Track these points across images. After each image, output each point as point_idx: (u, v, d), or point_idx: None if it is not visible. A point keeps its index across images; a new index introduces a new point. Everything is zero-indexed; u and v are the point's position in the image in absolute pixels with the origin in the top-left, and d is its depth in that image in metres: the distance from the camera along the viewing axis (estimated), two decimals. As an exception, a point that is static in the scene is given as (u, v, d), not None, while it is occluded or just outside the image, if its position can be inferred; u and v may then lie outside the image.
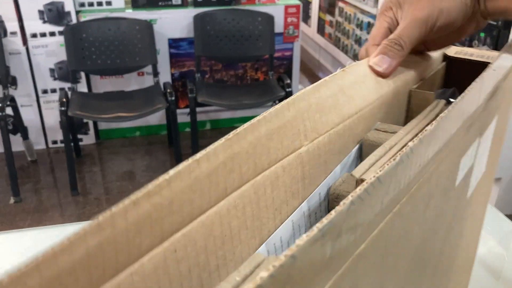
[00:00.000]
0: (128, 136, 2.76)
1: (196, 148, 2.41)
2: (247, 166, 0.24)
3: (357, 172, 0.29)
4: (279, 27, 2.65)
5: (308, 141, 0.29)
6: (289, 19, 2.68)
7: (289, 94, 2.42)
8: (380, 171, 0.23)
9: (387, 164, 0.24)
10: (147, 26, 2.41)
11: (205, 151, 0.22)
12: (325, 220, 0.19)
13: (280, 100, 2.60)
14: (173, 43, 2.58)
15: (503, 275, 0.68)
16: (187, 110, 2.61)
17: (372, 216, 0.23)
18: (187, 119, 2.65)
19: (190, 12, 2.51)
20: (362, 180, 0.28)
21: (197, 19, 2.47)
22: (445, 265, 0.42)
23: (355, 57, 3.31)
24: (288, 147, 0.27)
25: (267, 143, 0.26)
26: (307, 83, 3.73)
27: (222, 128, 2.88)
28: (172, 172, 0.21)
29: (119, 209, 0.19)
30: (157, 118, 2.71)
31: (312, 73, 3.92)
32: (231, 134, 0.24)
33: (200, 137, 2.58)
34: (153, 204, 0.20)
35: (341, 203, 0.20)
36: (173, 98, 2.31)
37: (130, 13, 2.46)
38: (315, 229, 0.18)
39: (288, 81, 2.48)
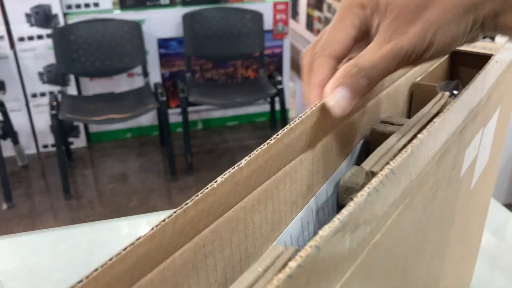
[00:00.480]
0: (119, 138, 2.74)
1: (188, 148, 2.41)
2: (275, 165, 0.25)
3: (367, 164, 0.29)
4: (268, 24, 2.66)
5: (324, 135, 0.29)
6: (278, 16, 2.68)
7: (280, 91, 2.42)
8: (393, 163, 0.23)
9: (400, 156, 0.24)
10: (136, 26, 2.40)
11: (249, 157, 0.23)
12: (345, 212, 0.19)
13: (272, 98, 2.60)
14: (162, 43, 2.57)
15: (499, 264, 0.68)
16: (178, 110, 2.61)
17: (387, 207, 0.24)
18: (178, 119, 2.64)
19: (179, 12, 2.50)
20: (372, 172, 0.28)
21: (186, 18, 2.46)
22: (450, 254, 0.42)
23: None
24: (308, 142, 0.27)
25: (297, 143, 0.26)
26: (298, 80, 3.73)
27: (214, 127, 2.88)
28: (219, 179, 0.22)
29: (171, 218, 0.20)
30: (148, 119, 2.70)
31: (302, 70, 3.93)
32: (272, 138, 0.24)
33: (192, 137, 2.58)
34: (198, 210, 0.21)
35: (359, 194, 0.20)
36: (164, 98, 2.30)
37: (118, 14, 2.45)
38: (336, 220, 0.19)
39: (279, 78, 2.48)
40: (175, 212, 0.20)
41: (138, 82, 2.56)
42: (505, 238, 0.74)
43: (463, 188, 0.39)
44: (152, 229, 0.19)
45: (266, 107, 2.84)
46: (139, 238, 0.19)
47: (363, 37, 0.30)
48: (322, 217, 0.31)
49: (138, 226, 0.78)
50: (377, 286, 0.26)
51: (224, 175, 0.22)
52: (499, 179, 1.95)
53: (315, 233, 0.30)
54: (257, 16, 2.52)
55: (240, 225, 0.23)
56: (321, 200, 0.31)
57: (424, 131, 0.26)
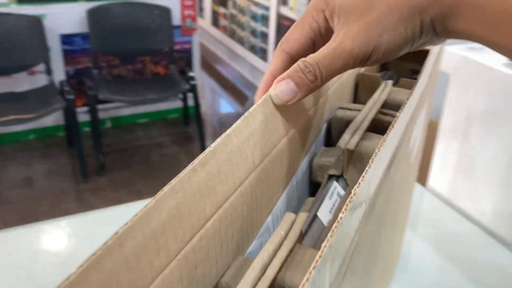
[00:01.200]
0: (21, 140, 2.58)
1: (99, 147, 2.33)
2: (264, 141, 0.27)
3: (342, 143, 0.33)
4: (176, 20, 2.64)
5: (299, 118, 0.32)
6: (186, 12, 2.67)
7: (193, 87, 2.42)
8: (378, 150, 0.26)
9: (381, 144, 0.27)
10: (36, 21, 2.27)
11: (230, 130, 0.25)
12: (354, 195, 0.22)
13: (184, 94, 2.57)
14: (66, 39, 2.46)
15: (419, 232, 0.76)
16: (85, 108, 2.51)
17: (375, 187, 0.27)
18: (84, 118, 2.55)
19: (83, 6, 2.41)
20: (348, 150, 0.32)
21: (91, 13, 2.38)
22: (397, 227, 0.47)
23: (252, 49, 3.39)
24: (290, 125, 0.30)
25: (274, 123, 0.29)
26: (205, 75, 3.74)
27: (124, 125, 2.81)
28: (213, 145, 0.23)
29: (184, 174, 0.21)
30: (52, 118, 2.56)
31: (209, 66, 3.95)
32: (246, 113, 0.26)
33: (101, 135, 2.50)
34: (207, 172, 0.22)
35: (361, 177, 0.23)
36: (71, 96, 2.21)
37: (15, 8, 2.30)
38: (351, 202, 0.21)
39: (192, 74, 2.48)
40: (185, 169, 0.21)
41: (41, 80, 2.42)
42: (422, 209, 0.83)
43: (408, 164, 0.45)
44: (171, 182, 0.20)
45: (177, 104, 2.82)
46: (164, 190, 0.20)
47: (326, 38, 0.32)
48: (300, 191, 0.34)
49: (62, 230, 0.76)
50: (361, 260, 0.30)
51: (216, 141, 0.24)
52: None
53: (298, 207, 0.33)
54: (165, 12, 2.49)
55: (248, 199, 0.26)
56: (299, 177, 0.34)
57: (395, 119, 0.30)
